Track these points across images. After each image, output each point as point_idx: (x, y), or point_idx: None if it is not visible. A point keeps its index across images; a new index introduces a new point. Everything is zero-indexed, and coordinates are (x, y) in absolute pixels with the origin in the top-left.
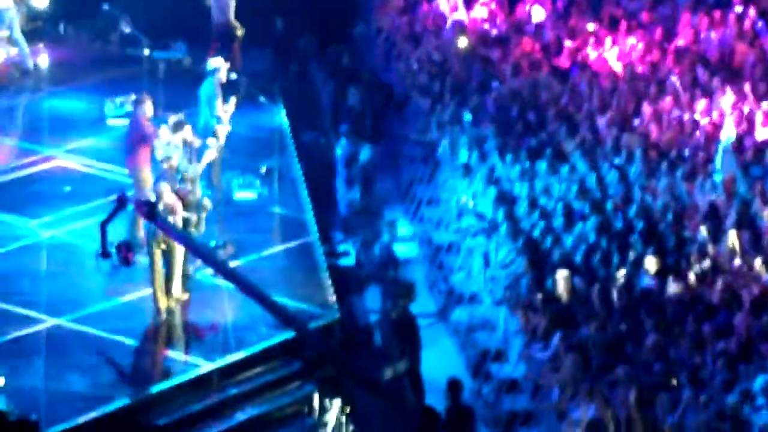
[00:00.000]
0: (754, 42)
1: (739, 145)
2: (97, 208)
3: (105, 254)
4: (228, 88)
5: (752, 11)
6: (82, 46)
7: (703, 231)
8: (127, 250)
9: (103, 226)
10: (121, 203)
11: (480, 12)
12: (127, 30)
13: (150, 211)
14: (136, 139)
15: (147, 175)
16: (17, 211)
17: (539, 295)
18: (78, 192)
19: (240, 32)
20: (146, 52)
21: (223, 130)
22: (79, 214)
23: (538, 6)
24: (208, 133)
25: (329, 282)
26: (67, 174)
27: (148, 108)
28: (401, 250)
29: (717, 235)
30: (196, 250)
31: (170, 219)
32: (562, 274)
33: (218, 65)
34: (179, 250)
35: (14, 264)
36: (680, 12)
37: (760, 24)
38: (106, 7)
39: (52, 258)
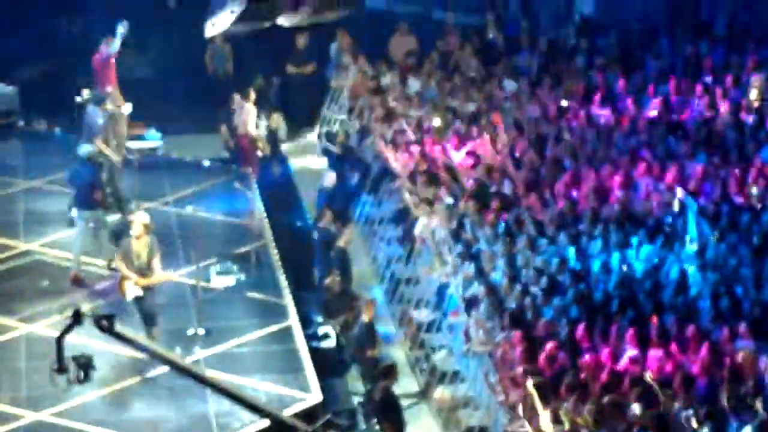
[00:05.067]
0: None
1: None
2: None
3: (60, 369)
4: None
5: None
6: (57, 140)
7: None
8: (84, 364)
9: (59, 340)
10: (76, 318)
11: None
12: None
13: (109, 325)
14: None
15: None
16: None
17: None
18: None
19: (261, 144)
20: None
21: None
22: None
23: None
24: None
25: (311, 365)
26: (44, 268)
27: None
28: (381, 330)
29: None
30: (160, 357)
31: None
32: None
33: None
34: None
35: None
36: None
37: None
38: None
39: (32, 352)
